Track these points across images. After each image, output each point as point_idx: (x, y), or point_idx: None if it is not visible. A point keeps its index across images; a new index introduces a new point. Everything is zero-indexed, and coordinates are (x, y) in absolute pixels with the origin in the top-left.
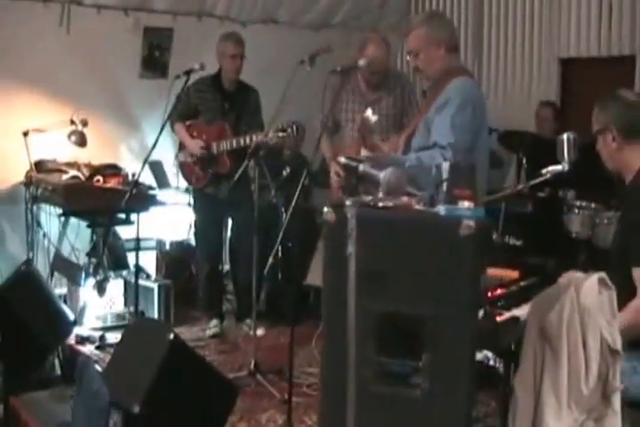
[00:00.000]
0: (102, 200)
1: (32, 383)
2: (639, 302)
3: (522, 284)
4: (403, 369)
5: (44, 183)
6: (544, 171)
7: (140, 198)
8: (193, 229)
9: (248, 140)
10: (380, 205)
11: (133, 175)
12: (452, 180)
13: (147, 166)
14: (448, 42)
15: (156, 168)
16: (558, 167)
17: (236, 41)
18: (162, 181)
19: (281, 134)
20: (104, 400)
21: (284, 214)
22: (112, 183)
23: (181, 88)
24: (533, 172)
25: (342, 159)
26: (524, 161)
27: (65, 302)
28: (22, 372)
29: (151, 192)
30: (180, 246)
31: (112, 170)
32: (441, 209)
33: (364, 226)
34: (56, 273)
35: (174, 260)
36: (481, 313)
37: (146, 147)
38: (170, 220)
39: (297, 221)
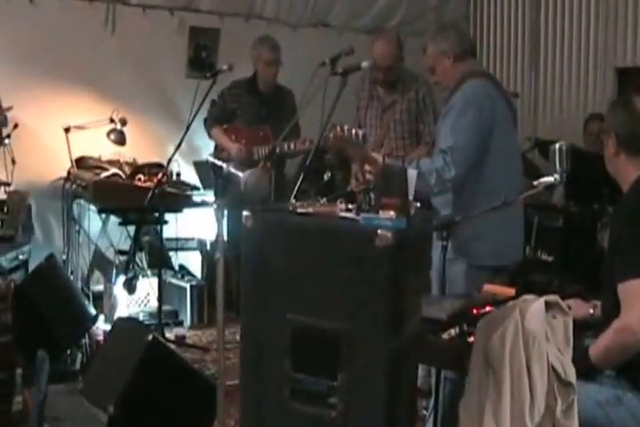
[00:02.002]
0: (132, 198)
1: (49, 377)
2: (622, 323)
3: None
4: (319, 388)
5: (79, 179)
6: (535, 183)
7: (173, 199)
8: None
9: (293, 147)
10: (300, 211)
11: (178, 175)
12: (383, 187)
13: (192, 167)
14: (455, 50)
15: (202, 168)
16: (550, 179)
17: (271, 47)
18: (207, 182)
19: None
20: (42, 395)
21: None
22: (154, 182)
23: (208, 89)
24: (573, 184)
25: (210, 158)
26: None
27: (100, 298)
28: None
29: (188, 193)
30: None
31: (156, 169)
32: (360, 217)
33: (272, 232)
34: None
35: (215, 260)
36: (454, 332)
37: (193, 147)
38: (214, 220)
39: None
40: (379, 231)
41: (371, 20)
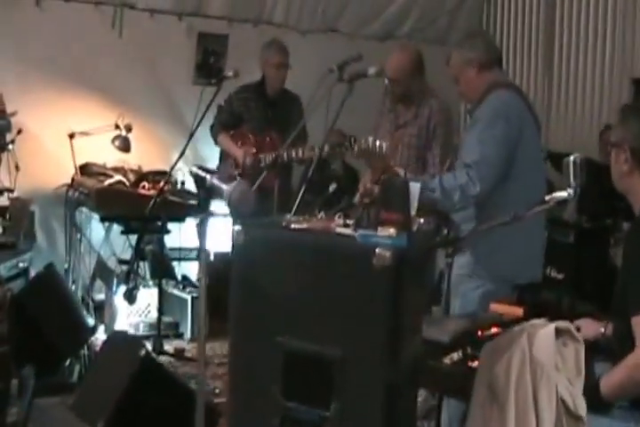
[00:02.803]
0: (135, 207)
1: (46, 389)
2: (637, 359)
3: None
4: (310, 417)
5: (82, 187)
6: (547, 198)
7: (175, 208)
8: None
9: (301, 154)
10: (294, 226)
11: (182, 183)
12: (383, 200)
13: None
14: (481, 60)
15: None
16: (563, 194)
17: (279, 50)
18: None
19: (338, 150)
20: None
21: None
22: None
23: (213, 95)
24: (586, 198)
25: (194, 168)
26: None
27: (102, 307)
28: (37, 377)
29: (191, 202)
30: (225, 258)
31: (161, 176)
32: (358, 234)
33: (264, 249)
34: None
35: (217, 271)
36: (457, 356)
37: (198, 155)
38: (218, 230)
39: None
40: (377, 250)
41: (381, 26)
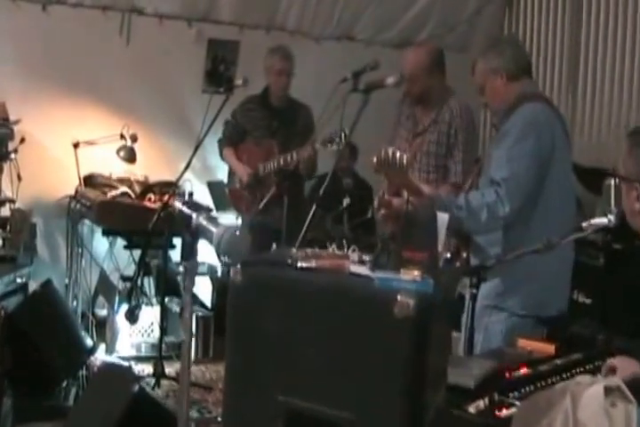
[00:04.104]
0: (140, 220)
1: (41, 413)
2: None
3: (557, 362)
4: None
5: (84, 198)
6: (584, 224)
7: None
8: None
9: (295, 156)
10: (300, 264)
11: (190, 195)
12: (407, 236)
13: (206, 187)
14: (509, 69)
15: (216, 189)
16: (603, 220)
17: (282, 56)
18: (220, 203)
19: (329, 146)
20: None
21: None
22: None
23: (222, 103)
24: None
25: (177, 204)
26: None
27: (104, 324)
28: (32, 400)
29: None
30: None
31: (168, 187)
32: (376, 277)
33: (265, 291)
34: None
35: (225, 287)
36: (484, 403)
37: (207, 166)
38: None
39: None
40: (398, 297)
41: (398, 33)
